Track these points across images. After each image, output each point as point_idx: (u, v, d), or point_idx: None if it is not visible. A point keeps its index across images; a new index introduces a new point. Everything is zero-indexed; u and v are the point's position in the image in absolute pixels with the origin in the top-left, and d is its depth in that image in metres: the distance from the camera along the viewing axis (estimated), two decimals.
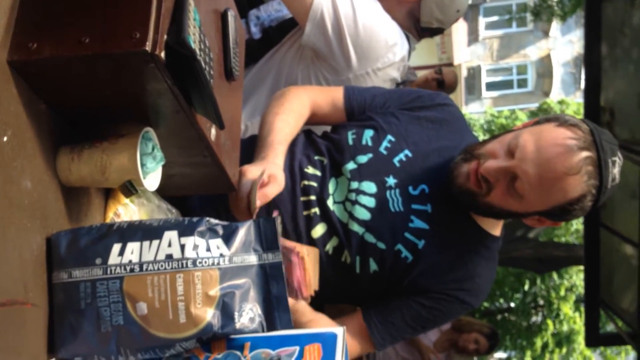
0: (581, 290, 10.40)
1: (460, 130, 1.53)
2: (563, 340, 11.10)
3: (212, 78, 1.02)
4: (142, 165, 0.97)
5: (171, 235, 0.92)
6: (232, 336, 0.95)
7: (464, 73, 18.93)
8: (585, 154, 1.24)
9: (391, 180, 1.42)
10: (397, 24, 1.86)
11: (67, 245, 0.91)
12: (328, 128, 1.62)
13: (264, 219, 0.98)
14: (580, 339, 10.79)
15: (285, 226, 1.38)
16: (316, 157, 1.48)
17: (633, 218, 4.37)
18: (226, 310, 0.92)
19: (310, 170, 1.45)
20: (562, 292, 10.94)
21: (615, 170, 1.28)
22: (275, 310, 0.96)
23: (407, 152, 1.45)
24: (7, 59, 0.84)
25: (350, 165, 1.44)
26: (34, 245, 0.88)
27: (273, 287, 0.96)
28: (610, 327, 7.51)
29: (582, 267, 8.76)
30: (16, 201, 0.84)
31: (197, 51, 0.93)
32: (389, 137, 1.47)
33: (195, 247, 0.92)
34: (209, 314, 0.91)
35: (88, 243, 0.92)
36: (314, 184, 1.44)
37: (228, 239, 0.95)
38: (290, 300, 1.21)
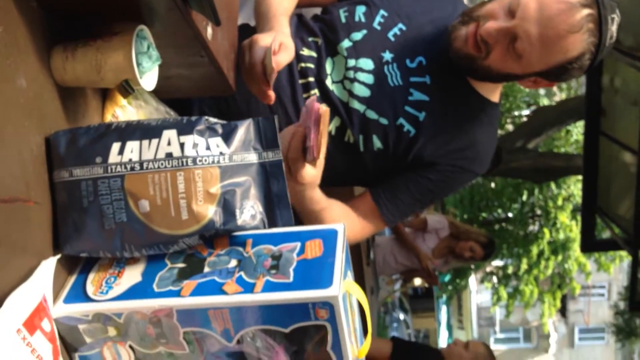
0: (578, 199, 10.53)
1: (452, 1, 1.51)
2: (559, 247, 11.34)
3: None
4: (138, 64, 0.96)
5: (170, 134, 0.92)
6: (234, 233, 0.97)
7: None
8: (586, 11, 1.22)
9: (388, 55, 1.41)
10: None
11: (67, 145, 0.91)
12: (318, 11, 1.58)
13: (263, 118, 0.98)
14: (576, 247, 11.02)
15: (286, 110, 1.38)
16: (310, 39, 1.46)
17: (633, 125, 4.36)
18: (227, 207, 0.93)
19: (305, 52, 1.43)
20: (560, 202, 11.07)
21: (614, 28, 1.26)
22: (276, 208, 0.97)
23: (401, 25, 1.44)
24: None
25: (346, 43, 1.42)
26: (33, 144, 0.88)
27: (273, 185, 0.97)
28: (605, 235, 7.65)
29: (580, 177, 8.84)
30: (12, 100, 0.84)
31: None
32: (382, 11, 1.45)
33: (195, 145, 0.92)
34: (210, 211, 0.92)
35: (87, 142, 0.92)
36: (311, 65, 1.42)
37: (227, 137, 0.95)
38: (305, 189, 1.24)
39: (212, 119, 0.95)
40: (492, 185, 11.46)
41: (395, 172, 1.46)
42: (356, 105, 1.38)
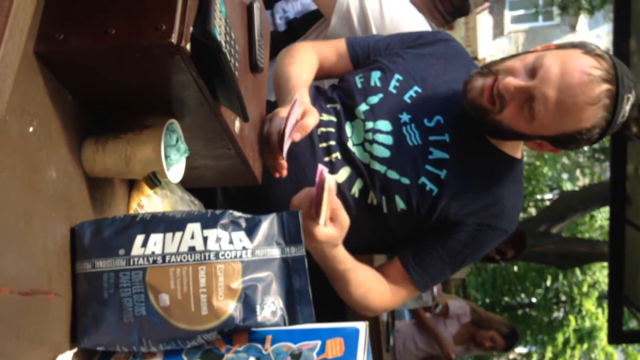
0: (604, 286, 10.29)
1: (466, 65, 1.52)
2: (585, 336, 11.00)
3: (237, 70, 1.02)
4: (166, 157, 0.97)
5: (194, 227, 0.92)
6: (254, 329, 0.95)
7: None
8: (606, 86, 1.22)
9: (405, 116, 1.42)
10: (423, 17, 1.83)
11: (91, 236, 0.92)
12: (335, 82, 1.60)
13: (287, 212, 0.98)
14: (602, 335, 10.68)
15: (306, 176, 1.37)
16: (328, 105, 1.48)
17: None
18: (248, 303, 0.92)
19: (325, 117, 1.44)
20: (585, 289, 10.83)
21: (627, 107, 1.26)
22: (297, 304, 0.96)
23: (416, 88, 1.45)
24: (34, 50, 0.84)
25: (363, 107, 1.43)
26: (58, 235, 0.89)
27: (295, 280, 0.96)
28: (633, 324, 7.42)
29: (605, 264, 8.66)
30: (42, 191, 0.85)
31: (223, 43, 0.92)
32: (397, 76, 1.47)
33: (218, 239, 0.92)
34: (230, 307, 0.90)
35: (111, 234, 0.92)
36: (332, 129, 1.43)
37: (251, 231, 0.95)
38: (324, 248, 1.22)
39: (236, 213, 0.96)
40: (515, 269, 11.27)
41: (421, 234, 1.44)
42: (377, 166, 1.39)
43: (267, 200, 1.39)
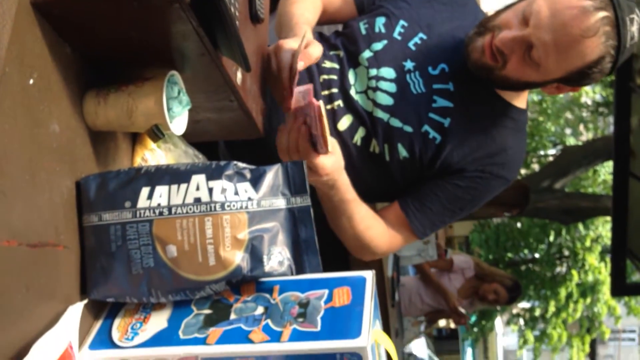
0: (607, 241, 10.33)
1: (474, 12, 1.50)
2: (587, 290, 11.09)
3: (237, 20, 1.00)
4: (169, 109, 0.96)
5: (199, 178, 0.92)
6: (261, 279, 0.96)
7: None
8: (601, 14, 1.20)
9: (409, 64, 1.41)
10: None
11: (97, 189, 0.92)
12: (339, 28, 1.59)
13: (292, 162, 0.97)
14: (605, 289, 10.77)
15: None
16: (331, 52, 1.46)
17: None
18: (255, 253, 0.92)
19: (327, 64, 1.43)
20: (588, 243, 10.87)
21: (634, 28, 1.24)
22: (304, 254, 0.96)
23: (421, 35, 1.44)
24: (30, 1, 0.83)
25: (367, 54, 1.42)
26: (63, 188, 0.88)
27: (302, 230, 0.96)
28: (636, 278, 7.47)
29: (608, 218, 8.67)
30: (45, 144, 0.84)
31: None
32: (402, 22, 1.45)
33: (223, 190, 0.92)
34: (237, 257, 0.91)
35: (117, 187, 0.92)
36: (334, 76, 1.42)
37: (256, 182, 0.95)
38: (332, 179, 1.22)
39: (241, 164, 0.95)
40: (518, 225, 11.31)
41: (423, 181, 1.44)
42: (380, 114, 1.38)
43: (270, 152, 1.39)
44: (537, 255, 11.79)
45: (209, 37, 0.93)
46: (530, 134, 11.47)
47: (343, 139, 1.37)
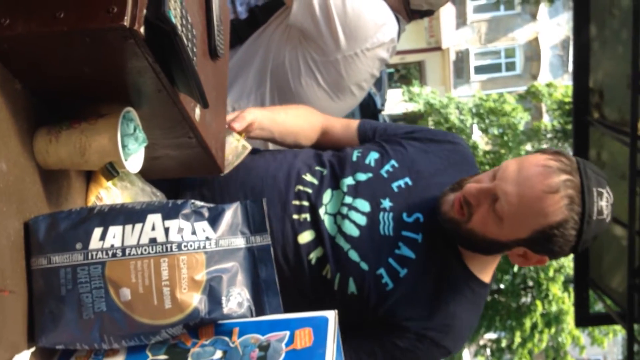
0: (570, 271, 10.47)
1: (468, 172, 1.48)
2: (552, 320, 11.18)
3: (195, 56, 0.99)
4: (124, 146, 0.94)
5: (155, 218, 0.89)
6: (220, 322, 0.93)
7: (452, 56, 18.89)
8: (565, 176, 1.21)
9: (386, 203, 1.39)
10: (386, 4, 1.82)
11: (46, 230, 0.88)
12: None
13: (251, 201, 0.95)
14: (569, 319, 10.88)
15: (272, 228, 1.33)
16: (317, 167, 1.46)
17: (622, 199, 4.37)
18: (213, 295, 0.89)
19: (308, 177, 1.43)
20: (551, 273, 11.00)
21: (603, 203, 1.22)
22: (264, 295, 0.93)
23: (407, 179, 1.43)
24: None
25: (349, 181, 1.41)
26: (10, 230, 0.84)
27: (262, 270, 0.93)
28: (598, 307, 7.56)
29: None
30: None
31: (179, 27, 0.89)
32: (393, 162, 1.45)
33: (180, 230, 0.89)
34: (195, 299, 0.87)
35: (68, 227, 0.88)
36: (309, 190, 1.41)
37: (214, 221, 0.92)
38: None
39: (199, 203, 0.93)
40: None
41: (364, 327, 1.38)
42: (342, 242, 1.35)
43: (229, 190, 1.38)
44: (502, 286, 11.87)
45: (165, 73, 0.91)
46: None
47: (299, 252, 1.35)
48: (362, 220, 1.37)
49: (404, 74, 18.34)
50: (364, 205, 1.38)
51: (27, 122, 0.91)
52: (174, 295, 0.86)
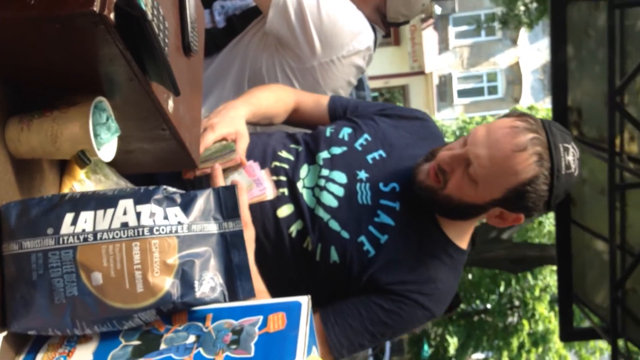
0: (555, 290, 10.48)
1: (437, 145, 1.50)
2: (539, 339, 11.18)
3: (167, 46, 1.00)
4: (96, 136, 0.94)
5: (126, 203, 0.90)
6: (194, 308, 0.93)
7: (435, 80, 19.08)
8: (532, 134, 1.26)
9: (362, 174, 1.42)
10: (362, 14, 1.84)
11: (17, 216, 0.88)
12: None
13: (223, 187, 0.96)
14: (556, 338, 10.87)
15: (250, 205, 1.35)
16: (292, 145, 1.49)
17: (603, 214, 4.41)
18: (185, 278, 0.89)
19: (283, 154, 1.46)
20: (537, 292, 11.02)
21: (570, 158, 1.28)
22: (237, 280, 0.94)
23: (381, 152, 1.47)
24: None
25: (324, 154, 1.44)
26: None
27: (235, 255, 0.94)
28: (584, 324, 7.56)
29: (555, 267, 8.84)
30: None
31: (149, 14, 0.90)
32: (366, 135, 1.49)
33: (152, 214, 0.89)
34: (167, 283, 0.88)
35: (39, 213, 0.89)
36: (286, 165, 1.43)
37: (186, 207, 0.93)
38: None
39: (171, 189, 0.93)
40: (470, 276, 11.41)
41: (347, 293, 1.39)
42: (321, 213, 1.38)
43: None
44: (489, 306, 11.86)
45: (137, 61, 0.92)
46: None
47: (279, 226, 1.37)
48: (339, 191, 1.40)
49: (388, 97, 18.48)
50: (340, 176, 1.41)
51: None
52: (146, 279, 0.87)
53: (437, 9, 17.65)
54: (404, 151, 1.48)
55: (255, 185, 1.28)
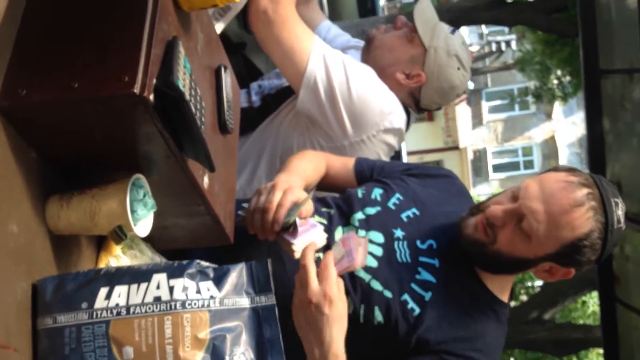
0: None
1: (467, 202, 1.54)
2: None
3: (203, 125, 1.03)
4: (133, 211, 0.97)
5: (160, 277, 0.91)
6: None
7: (470, 155, 19.11)
8: (587, 189, 1.27)
9: (399, 232, 1.41)
10: (393, 94, 1.86)
11: (53, 291, 0.89)
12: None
13: (256, 261, 0.96)
14: None
15: (287, 274, 1.32)
16: (323, 209, 1.48)
17: None
18: (217, 353, 0.88)
19: (316, 219, 1.44)
20: None
21: (619, 212, 1.29)
22: (268, 355, 0.92)
23: (414, 210, 1.46)
24: None
25: (359, 215, 1.44)
26: (18, 289, 0.86)
27: (266, 330, 0.93)
28: None
29: (601, 350, 8.48)
30: (1, 244, 0.83)
31: (187, 94, 0.94)
32: (397, 194, 1.49)
33: (185, 289, 0.90)
34: (198, 358, 0.87)
35: (74, 288, 0.90)
36: None
37: (219, 281, 0.93)
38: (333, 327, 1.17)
39: (204, 263, 0.94)
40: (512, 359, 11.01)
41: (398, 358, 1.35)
42: (362, 274, 1.36)
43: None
44: None
45: (174, 139, 0.95)
46: None
47: None
48: (378, 251, 1.38)
49: None
50: (378, 236, 1.40)
51: (40, 189, 0.95)
52: (177, 354, 0.86)
53: (470, 84, 17.89)
54: (436, 208, 1.47)
55: (346, 255, 1.26)
